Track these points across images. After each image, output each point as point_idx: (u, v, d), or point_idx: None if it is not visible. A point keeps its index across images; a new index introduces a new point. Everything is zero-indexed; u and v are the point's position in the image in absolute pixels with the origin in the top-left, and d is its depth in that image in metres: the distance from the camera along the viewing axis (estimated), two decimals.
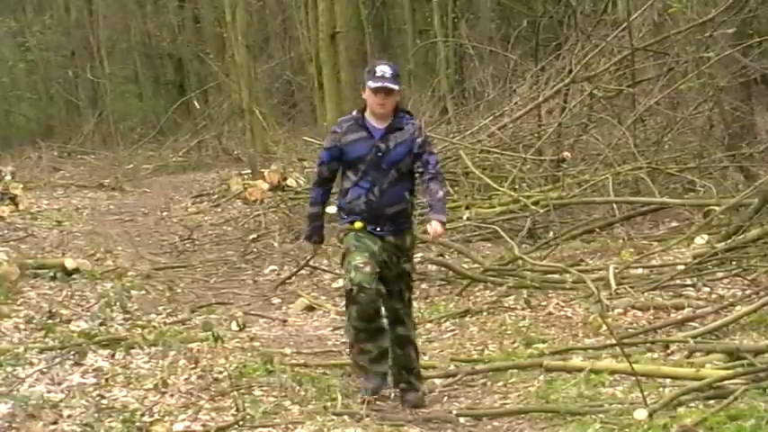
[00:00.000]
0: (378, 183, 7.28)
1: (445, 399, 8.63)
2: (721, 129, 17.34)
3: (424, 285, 13.18)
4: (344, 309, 8.03)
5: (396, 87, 7.24)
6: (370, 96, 7.36)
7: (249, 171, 22.41)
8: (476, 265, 13.67)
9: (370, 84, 7.31)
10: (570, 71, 18.86)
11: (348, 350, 8.12)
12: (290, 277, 13.86)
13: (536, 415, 8.00)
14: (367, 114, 7.45)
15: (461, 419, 8.00)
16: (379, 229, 7.45)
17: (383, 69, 7.24)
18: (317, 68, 18.62)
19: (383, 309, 7.80)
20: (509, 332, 10.95)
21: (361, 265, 7.26)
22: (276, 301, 12.90)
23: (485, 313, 11.72)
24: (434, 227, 7.23)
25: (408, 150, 7.35)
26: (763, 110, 18.57)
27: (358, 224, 7.41)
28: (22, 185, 23.69)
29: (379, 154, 7.29)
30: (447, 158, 18.59)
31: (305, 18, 23.36)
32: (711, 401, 7.74)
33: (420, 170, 7.39)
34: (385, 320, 7.81)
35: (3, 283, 13.27)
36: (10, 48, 39.54)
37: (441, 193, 7.24)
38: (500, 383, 8.99)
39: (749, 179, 15.01)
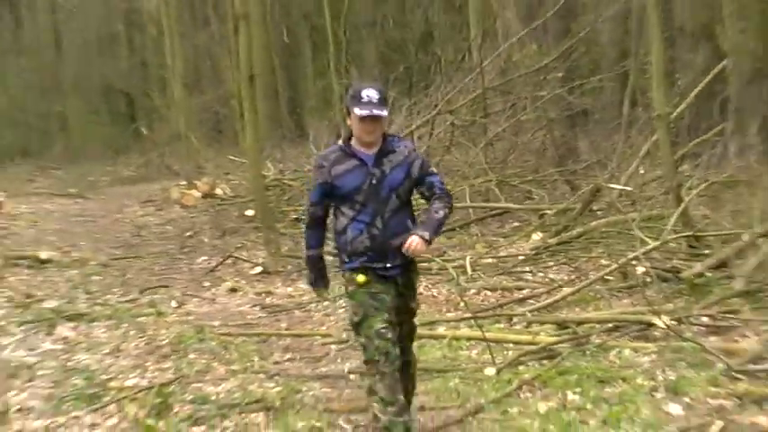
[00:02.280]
0: (379, 213, 5.75)
1: (339, 360, 8.70)
2: (552, 151, 17.97)
3: None
4: (367, 379, 5.95)
5: (384, 114, 5.72)
6: (357, 124, 5.76)
7: (185, 182, 22.46)
8: None
9: (357, 111, 5.69)
10: (436, 105, 19.21)
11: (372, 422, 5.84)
12: (217, 266, 13.91)
13: None
14: (353, 142, 5.89)
15: (351, 376, 8.12)
16: (389, 265, 5.80)
17: (369, 94, 5.68)
18: (239, 102, 18.49)
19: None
20: None
21: (384, 331, 5.67)
22: (206, 284, 12.87)
23: None
24: (411, 240, 5.67)
25: (406, 174, 5.85)
26: (583, 136, 19.08)
27: (361, 278, 5.75)
28: (3, 193, 23.56)
29: (375, 182, 5.75)
30: None
31: (230, 63, 23.43)
32: (545, 361, 7.98)
33: (427, 193, 5.96)
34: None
35: None
36: (0, 88, 39.22)
37: (440, 213, 5.84)
38: None
39: (573, 189, 15.50)
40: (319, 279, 6.26)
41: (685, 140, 13.87)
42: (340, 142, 6.06)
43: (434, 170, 6.21)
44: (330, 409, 7.32)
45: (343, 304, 10.61)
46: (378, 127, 5.88)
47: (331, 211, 6.17)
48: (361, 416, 7.11)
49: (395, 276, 5.89)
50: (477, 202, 16.09)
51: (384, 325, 5.75)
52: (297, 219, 16.72)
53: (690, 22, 16.22)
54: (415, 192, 6.12)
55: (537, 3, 22.30)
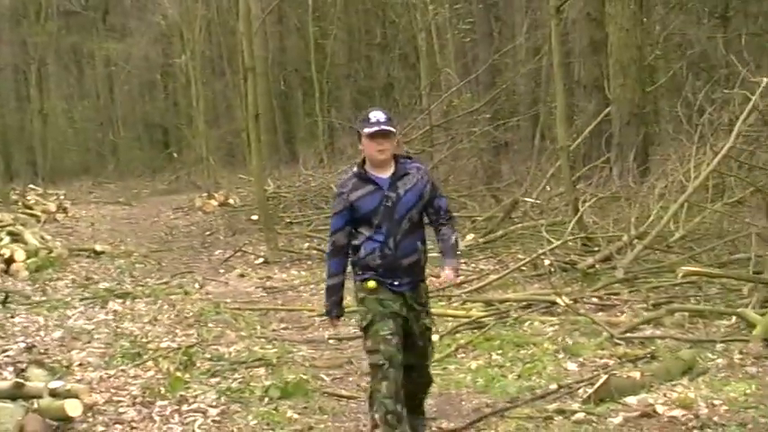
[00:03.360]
0: (392, 234, 4.92)
1: (321, 329, 8.64)
2: (481, 172, 17.85)
3: None
4: (370, 384, 5.20)
5: (392, 129, 4.96)
6: (368, 144, 4.96)
7: (206, 194, 22.04)
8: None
9: (366, 130, 4.95)
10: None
11: (369, 425, 5.30)
12: (229, 257, 13.77)
13: None
14: (367, 167, 5.05)
15: (330, 341, 8.14)
16: (396, 283, 5.01)
17: (376, 115, 4.97)
18: (247, 134, 18.31)
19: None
20: None
21: (389, 337, 4.86)
22: (222, 271, 12.80)
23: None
24: (447, 273, 5.05)
25: (419, 196, 5.01)
26: (505, 162, 19.07)
27: (371, 283, 4.96)
28: (69, 202, 24.01)
29: (390, 204, 4.92)
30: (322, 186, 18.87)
31: (240, 104, 23.29)
32: (475, 330, 7.98)
33: (433, 216, 5.17)
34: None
35: (59, 260, 13.49)
36: (64, 120, 39.38)
37: (453, 239, 5.15)
38: (353, 321, 8.17)
39: (497, 202, 15.31)
40: (335, 308, 5.22)
41: (580, 166, 13.96)
42: (355, 169, 5.20)
43: (442, 193, 5.41)
44: (314, 365, 7.34)
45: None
46: (387, 144, 5.01)
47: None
48: (338, 371, 7.15)
49: (403, 291, 5.04)
50: None
51: (390, 331, 4.91)
52: (290, 222, 16.61)
53: (584, 78, 16.33)
54: None
55: (471, 62, 22.41)
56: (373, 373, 4.99)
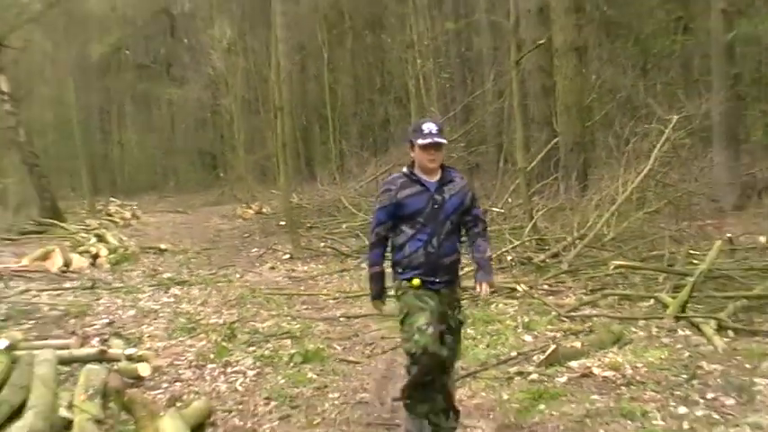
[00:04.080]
0: (436, 234, 4.25)
1: (334, 309, 8.60)
2: None
3: None
4: (406, 370, 4.36)
5: (444, 141, 4.27)
6: (421, 153, 4.27)
7: (245, 205, 22.10)
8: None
9: (420, 141, 4.26)
10: (391, 162, 19.28)
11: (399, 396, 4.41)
12: (262, 254, 13.71)
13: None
14: (416, 171, 4.37)
15: (341, 318, 8.11)
16: (437, 280, 4.31)
17: (429, 127, 4.25)
18: (276, 159, 18.39)
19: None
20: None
21: (425, 327, 4.13)
22: (257, 264, 12.71)
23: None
24: (485, 288, 4.29)
25: (461, 202, 4.33)
26: (477, 180, 18.27)
27: (416, 281, 4.28)
28: (141, 211, 24.13)
29: (436, 206, 4.26)
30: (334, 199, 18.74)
31: (271, 135, 22.85)
32: None
33: (470, 224, 4.43)
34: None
35: (133, 255, 13.58)
36: (136, 148, 39.58)
37: (489, 252, 4.43)
38: (358, 303, 8.64)
39: None
40: (380, 293, 4.55)
41: (535, 183, 13.91)
42: (405, 170, 4.49)
43: (479, 204, 4.71)
44: (328, 337, 7.29)
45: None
46: (438, 154, 4.33)
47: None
48: (347, 342, 7.09)
49: (439, 288, 4.32)
50: None
51: (425, 322, 4.17)
52: (310, 227, 16.48)
53: (537, 116, 16.34)
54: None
55: (450, 103, 22.39)
56: (409, 361, 4.26)
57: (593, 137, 15.92)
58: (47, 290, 10.31)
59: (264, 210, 21.38)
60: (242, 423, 5.07)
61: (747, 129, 15.57)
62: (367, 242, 4.63)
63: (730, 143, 12.99)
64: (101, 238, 15.05)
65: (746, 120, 15.51)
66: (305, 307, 8.96)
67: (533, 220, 11.08)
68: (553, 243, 10.68)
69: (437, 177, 4.35)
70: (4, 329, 7.40)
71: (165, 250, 14.56)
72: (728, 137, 13.00)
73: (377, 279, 4.50)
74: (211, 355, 6.75)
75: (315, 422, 5.05)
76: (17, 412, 4.39)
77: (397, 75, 26.36)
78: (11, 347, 5.59)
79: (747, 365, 5.39)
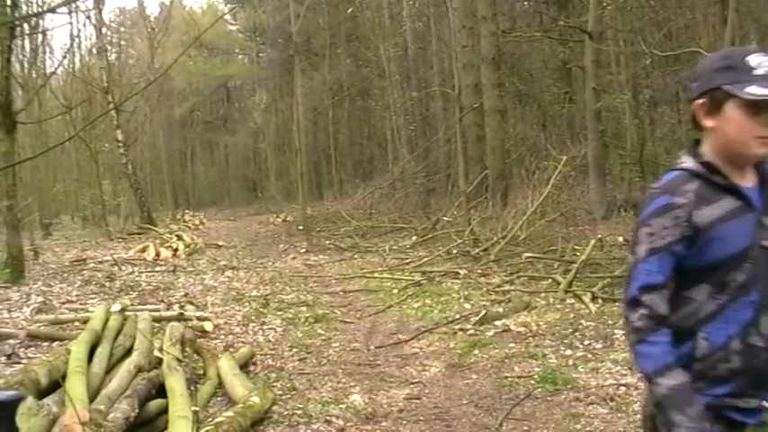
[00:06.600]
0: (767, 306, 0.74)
1: (337, 287, 8.29)
2: (420, 204, 17.18)
3: None
4: None
5: None
6: (744, 120, 0.70)
7: (275, 215, 21.89)
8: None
9: (751, 90, 0.70)
10: (378, 188, 19.00)
11: None
12: (287, 249, 13.34)
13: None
14: (717, 163, 0.81)
15: (341, 293, 7.85)
16: (765, 404, 0.80)
17: (762, 61, 0.67)
18: (297, 184, 17.16)
19: None
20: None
21: None
22: (283, 256, 12.38)
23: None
24: None
25: None
26: (432, 198, 17.93)
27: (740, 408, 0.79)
28: (206, 219, 23.92)
29: (766, 241, 0.75)
30: (336, 211, 17.85)
31: (293, 168, 22.15)
32: (416, 287, 7.61)
33: None
34: None
35: (200, 249, 13.37)
36: (203, 177, 39.32)
37: None
38: (350, 286, 8.51)
39: (429, 219, 14.32)
40: (702, 425, 0.99)
41: (472, 201, 13.89)
42: (691, 163, 1.05)
43: None
44: (332, 305, 7.17)
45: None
46: None
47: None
48: (344, 309, 6.96)
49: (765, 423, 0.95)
50: (390, 224, 15.40)
51: None
52: (319, 231, 16.01)
53: (474, 154, 16.27)
54: None
55: (414, 145, 22.13)
56: None
57: (511, 170, 15.97)
58: (144, 272, 10.26)
59: (288, 218, 21.06)
60: (273, 363, 5.01)
61: (610, 166, 15.91)
62: (625, 323, 1.27)
63: (599, 175, 13.17)
64: (179, 238, 14.98)
65: (610, 159, 15.81)
66: (315, 285, 8.83)
67: (471, 226, 11.04)
68: (484, 241, 10.61)
69: (749, 177, 1.18)
70: (119, 298, 7.39)
71: (222, 246, 14.39)
72: (598, 171, 13.17)
73: (684, 400, 1.12)
74: (252, 317, 6.64)
75: (322, 363, 5.01)
76: (128, 352, 4.43)
77: (378, 127, 26.42)
78: (122, 310, 5.59)
79: (610, 322, 5.38)
